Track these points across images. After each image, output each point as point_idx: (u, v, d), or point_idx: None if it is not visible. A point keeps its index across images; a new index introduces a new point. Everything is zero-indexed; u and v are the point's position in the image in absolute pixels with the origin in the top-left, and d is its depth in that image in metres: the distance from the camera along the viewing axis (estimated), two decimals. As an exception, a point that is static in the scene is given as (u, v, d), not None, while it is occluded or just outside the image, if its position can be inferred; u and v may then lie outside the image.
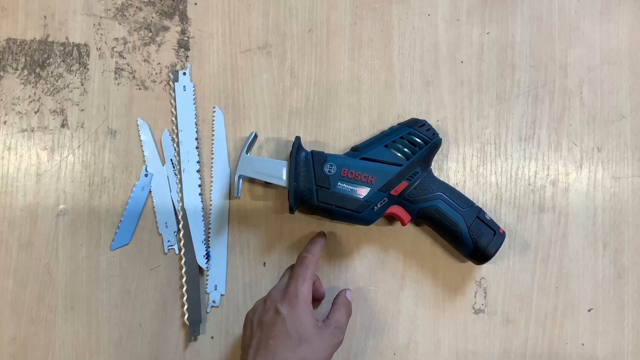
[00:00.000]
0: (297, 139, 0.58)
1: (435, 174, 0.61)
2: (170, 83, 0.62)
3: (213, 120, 0.62)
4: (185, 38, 0.63)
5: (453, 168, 0.63)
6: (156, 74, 0.62)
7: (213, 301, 0.60)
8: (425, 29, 0.64)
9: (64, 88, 0.62)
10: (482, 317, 0.61)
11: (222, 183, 0.61)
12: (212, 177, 0.61)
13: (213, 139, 0.62)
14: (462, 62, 0.64)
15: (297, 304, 0.51)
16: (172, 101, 0.62)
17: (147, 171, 0.61)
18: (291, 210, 0.56)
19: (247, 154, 0.58)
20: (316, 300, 0.59)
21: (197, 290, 0.59)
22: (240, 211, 0.61)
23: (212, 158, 0.62)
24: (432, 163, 0.60)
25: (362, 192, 0.55)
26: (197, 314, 0.59)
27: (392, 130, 0.59)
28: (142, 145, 0.61)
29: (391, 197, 0.56)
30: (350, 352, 0.60)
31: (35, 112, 0.61)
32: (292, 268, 0.56)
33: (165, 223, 0.60)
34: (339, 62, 0.63)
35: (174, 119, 0.62)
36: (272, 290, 0.53)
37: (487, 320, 0.61)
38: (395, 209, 0.57)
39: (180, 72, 0.62)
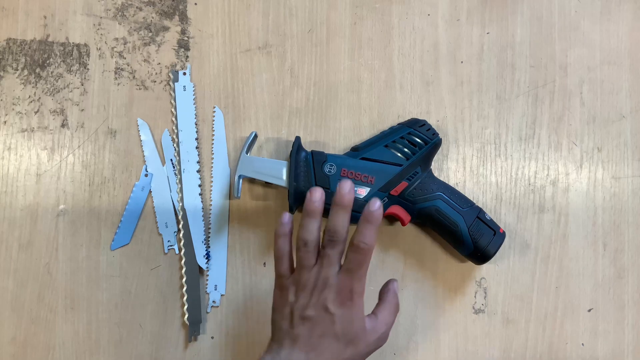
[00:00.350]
0: (297, 139, 0.58)
1: (435, 174, 0.61)
2: (170, 83, 0.62)
3: (213, 120, 0.62)
4: (185, 38, 0.63)
5: (453, 168, 0.63)
6: (156, 74, 0.62)
7: (213, 301, 0.60)
8: (425, 29, 0.64)
9: (64, 88, 0.62)
10: (482, 317, 0.61)
11: (222, 183, 0.61)
12: (212, 177, 0.61)
13: (213, 139, 0.62)
14: (462, 62, 0.64)
15: (353, 305, 0.46)
16: (172, 101, 0.62)
17: (147, 171, 0.61)
18: (291, 210, 0.56)
19: (247, 154, 0.58)
20: None
21: (197, 290, 0.59)
22: (240, 211, 0.61)
23: (212, 158, 0.62)
24: (432, 163, 0.60)
25: (362, 192, 0.55)
26: (197, 314, 0.59)
27: (392, 130, 0.59)
28: (142, 145, 0.61)
29: (391, 197, 0.56)
30: (350, 352, 0.60)
31: (35, 112, 0.61)
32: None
33: (165, 223, 0.60)
34: (339, 62, 0.63)
35: (174, 119, 0.62)
36: (318, 280, 0.47)
37: (487, 320, 0.61)
38: (395, 209, 0.57)
39: (180, 72, 0.62)
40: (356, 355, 0.46)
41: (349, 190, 0.47)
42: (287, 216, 0.49)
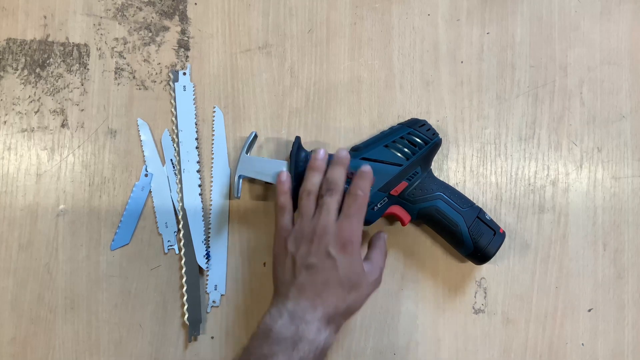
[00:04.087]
0: (297, 139, 0.58)
1: (435, 174, 0.61)
2: (170, 83, 0.62)
3: (213, 120, 0.62)
4: (185, 38, 0.63)
5: (453, 168, 0.63)
6: (156, 74, 0.62)
7: (213, 301, 0.60)
8: (425, 29, 0.64)
9: (64, 88, 0.62)
10: (482, 317, 0.61)
11: (222, 183, 0.61)
12: (212, 177, 0.61)
13: (213, 139, 0.62)
14: (462, 62, 0.64)
15: (353, 250, 0.48)
16: (172, 101, 0.62)
17: (147, 171, 0.61)
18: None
19: (247, 154, 0.58)
20: None
21: (197, 290, 0.59)
22: (240, 211, 0.61)
23: (212, 158, 0.62)
24: (432, 163, 0.60)
25: (362, 192, 0.55)
26: (197, 314, 0.59)
27: (392, 130, 0.59)
28: (142, 145, 0.61)
29: (391, 197, 0.56)
30: (350, 352, 0.60)
31: (35, 112, 0.61)
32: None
33: (165, 223, 0.60)
34: (339, 62, 0.63)
35: (174, 119, 0.62)
36: (317, 227, 0.49)
37: (487, 320, 0.61)
38: (395, 209, 0.57)
39: (180, 72, 0.62)
40: (357, 299, 0.48)
41: (344, 152, 0.54)
42: (284, 174, 0.54)
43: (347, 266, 0.48)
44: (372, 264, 0.51)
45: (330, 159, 0.56)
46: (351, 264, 0.48)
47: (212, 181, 0.61)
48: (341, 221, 0.49)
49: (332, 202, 0.50)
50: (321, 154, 0.54)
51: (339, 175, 0.52)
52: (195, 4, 0.63)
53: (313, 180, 0.52)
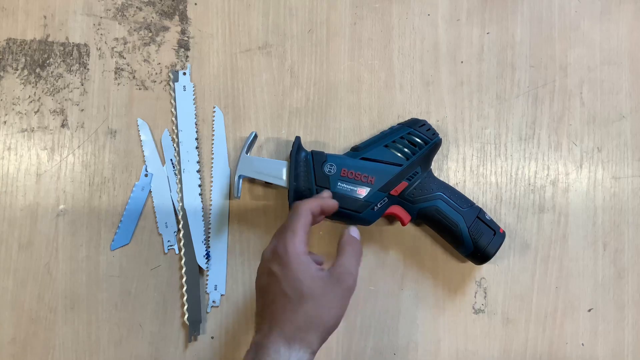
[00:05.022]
0: (297, 139, 0.58)
1: (435, 174, 0.61)
2: (170, 83, 0.62)
3: (213, 120, 0.62)
4: (185, 38, 0.63)
5: (453, 168, 0.63)
6: (156, 74, 0.62)
7: (213, 301, 0.60)
8: (425, 29, 0.64)
9: (64, 88, 0.62)
10: (482, 317, 0.61)
11: (222, 183, 0.61)
12: (212, 177, 0.61)
13: (213, 139, 0.62)
14: (462, 62, 0.64)
15: (289, 260, 0.45)
16: (172, 101, 0.62)
17: (147, 171, 0.61)
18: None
19: (247, 154, 0.58)
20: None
21: (197, 290, 0.59)
22: (240, 211, 0.61)
23: (212, 158, 0.62)
24: (432, 163, 0.60)
25: (362, 192, 0.55)
26: (197, 314, 0.59)
27: (392, 130, 0.59)
28: (142, 145, 0.61)
29: (391, 197, 0.56)
30: (350, 352, 0.60)
31: (35, 112, 0.61)
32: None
33: (165, 223, 0.60)
34: (339, 62, 0.63)
35: (174, 119, 0.62)
36: (264, 251, 0.48)
37: (487, 320, 0.61)
38: (395, 209, 0.57)
39: (180, 72, 0.62)
40: (319, 310, 0.44)
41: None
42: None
43: (288, 277, 0.44)
44: (334, 269, 0.46)
45: (331, 160, 0.56)
46: (293, 274, 0.44)
47: (212, 181, 0.61)
48: (277, 236, 0.47)
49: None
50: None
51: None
52: (195, 4, 0.63)
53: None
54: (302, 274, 0.44)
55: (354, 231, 0.51)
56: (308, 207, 0.49)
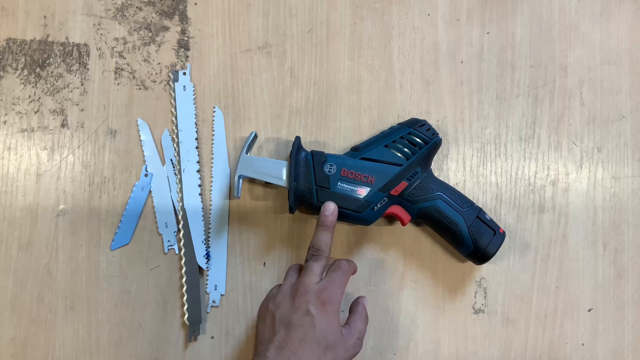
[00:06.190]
0: (297, 138, 0.58)
1: (435, 174, 0.61)
2: (170, 83, 0.62)
3: (213, 120, 0.62)
4: (185, 38, 0.63)
5: (453, 168, 0.63)
6: (156, 74, 0.62)
7: (213, 301, 0.60)
8: (425, 29, 0.64)
9: (64, 88, 0.62)
10: (482, 317, 0.61)
11: (222, 183, 0.61)
12: (212, 177, 0.61)
13: (213, 139, 0.62)
14: (462, 62, 0.64)
15: (332, 310, 0.48)
16: (172, 101, 0.62)
17: (147, 171, 0.61)
18: (291, 210, 0.56)
19: (247, 154, 0.58)
20: None
21: (197, 290, 0.59)
22: (240, 211, 0.61)
23: (212, 158, 0.62)
24: (432, 163, 0.60)
25: (362, 192, 0.55)
26: (197, 314, 0.59)
27: (392, 130, 0.59)
28: (142, 145, 0.61)
29: (391, 197, 0.56)
30: (350, 352, 0.60)
31: (35, 112, 0.61)
32: (295, 268, 0.54)
33: (165, 223, 0.60)
34: (339, 62, 0.63)
35: (174, 119, 0.62)
36: (300, 287, 0.50)
37: (487, 320, 0.61)
38: (395, 209, 0.57)
39: (180, 72, 0.62)
40: (337, 359, 0.48)
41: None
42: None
43: (325, 324, 0.47)
44: (351, 329, 0.51)
45: (331, 160, 0.56)
46: (329, 323, 0.48)
47: (212, 181, 0.61)
48: (324, 282, 0.50)
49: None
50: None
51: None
52: (195, 4, 0.63)
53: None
54: (335, 326, 0.48)
55: (365, 302, 0.55)
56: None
